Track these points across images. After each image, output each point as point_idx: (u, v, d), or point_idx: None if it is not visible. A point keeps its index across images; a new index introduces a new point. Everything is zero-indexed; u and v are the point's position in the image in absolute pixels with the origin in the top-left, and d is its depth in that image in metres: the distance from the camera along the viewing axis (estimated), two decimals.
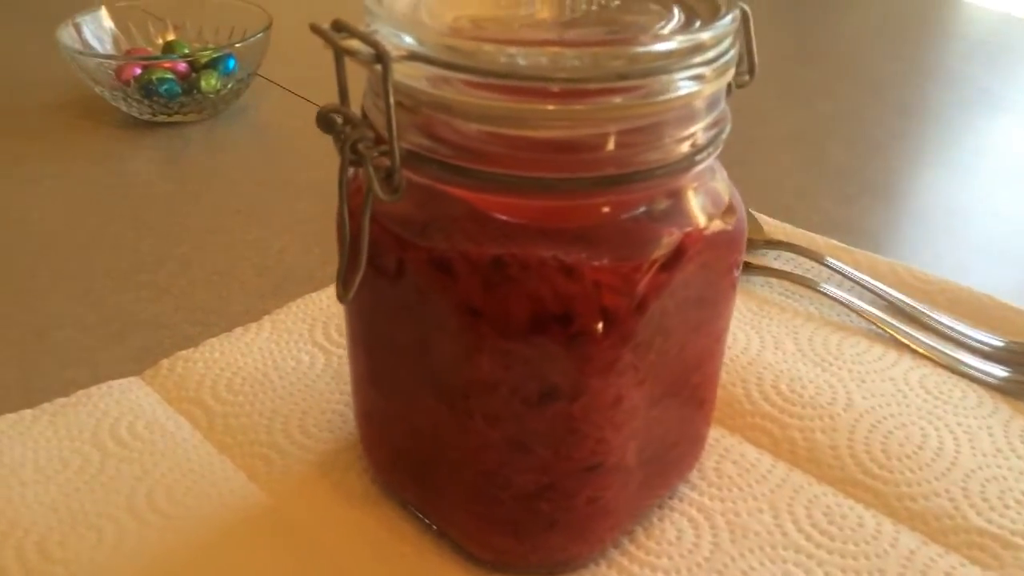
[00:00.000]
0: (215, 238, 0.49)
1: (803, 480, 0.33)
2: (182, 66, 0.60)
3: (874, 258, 0.45)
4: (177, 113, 0.60)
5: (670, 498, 0.32)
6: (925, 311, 0.41)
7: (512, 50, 0.22)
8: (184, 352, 0.39)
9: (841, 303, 0.42)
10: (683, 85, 0.23)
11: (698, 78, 0.23)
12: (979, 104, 0.67)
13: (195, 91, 0.59)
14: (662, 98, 0.23)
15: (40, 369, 0.39)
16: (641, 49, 0.22)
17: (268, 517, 0.31)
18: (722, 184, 0.27)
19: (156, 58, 0.62)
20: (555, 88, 0.22)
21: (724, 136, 0.26)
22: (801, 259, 0.46)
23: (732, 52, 0.25)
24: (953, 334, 0.40)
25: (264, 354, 0.39)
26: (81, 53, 0.59)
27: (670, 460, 0.30)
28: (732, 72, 0.25)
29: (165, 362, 0.38)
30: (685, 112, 0.24)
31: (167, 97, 0.59)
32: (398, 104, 0.23)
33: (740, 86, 0.28)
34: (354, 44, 0.22)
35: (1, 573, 0.28)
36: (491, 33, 0.24)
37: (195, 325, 0.42)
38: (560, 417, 0.25)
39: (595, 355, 0.24)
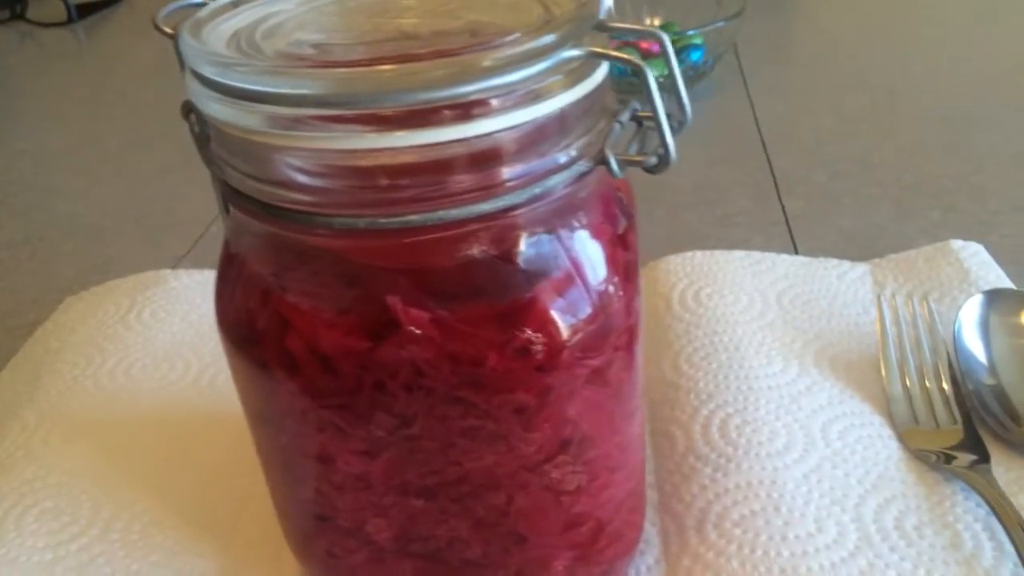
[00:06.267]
0: None
1: None
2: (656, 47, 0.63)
3: None
4: None
5: None
6: None
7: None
8: None
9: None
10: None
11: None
12: None
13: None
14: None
15: None
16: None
17: None
18: (569, 265, 0.21)
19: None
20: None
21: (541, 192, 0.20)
22: None
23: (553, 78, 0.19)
24: None
25: None
26: None
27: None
28: (546, 105, 0.19)
29: None
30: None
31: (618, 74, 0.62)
32: None
33: (648, 170, 0.21)
34: None
35: (80, 389, 0.37)
36: (316, 54, 0.21)
37: None
38: (272, 440, 0.23)
39: (277, 391, 0.22)
